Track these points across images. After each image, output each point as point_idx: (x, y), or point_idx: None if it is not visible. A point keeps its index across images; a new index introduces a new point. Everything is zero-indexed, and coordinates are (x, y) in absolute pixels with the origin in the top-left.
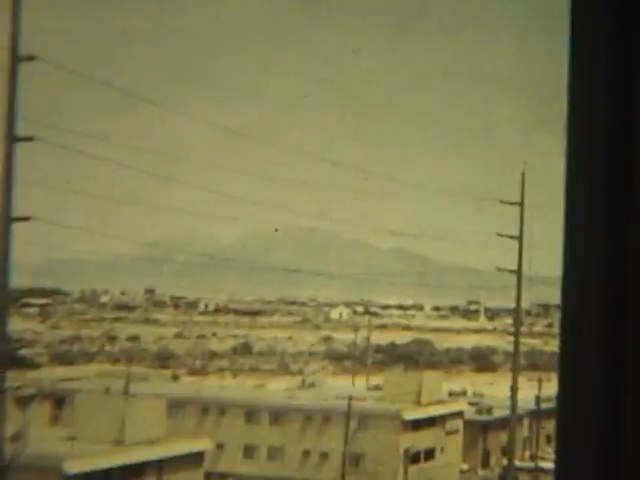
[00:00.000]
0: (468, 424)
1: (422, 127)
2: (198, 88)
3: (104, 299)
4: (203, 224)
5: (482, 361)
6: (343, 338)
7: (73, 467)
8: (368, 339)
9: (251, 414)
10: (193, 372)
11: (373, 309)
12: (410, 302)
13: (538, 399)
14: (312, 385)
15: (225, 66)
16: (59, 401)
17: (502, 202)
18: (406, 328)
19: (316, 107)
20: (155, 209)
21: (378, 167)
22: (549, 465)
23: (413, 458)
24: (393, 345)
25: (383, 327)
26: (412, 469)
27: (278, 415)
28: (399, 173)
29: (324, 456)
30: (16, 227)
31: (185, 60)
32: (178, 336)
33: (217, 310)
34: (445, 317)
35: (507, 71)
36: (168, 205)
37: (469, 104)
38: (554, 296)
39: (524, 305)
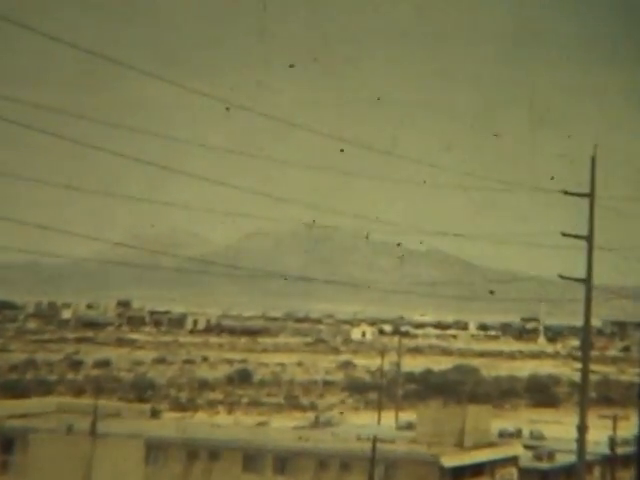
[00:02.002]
0: (524, 472)
1: (465, 107)
2: (186, 53)
3: (66, 314)
4: (193, 220)
5: (541, 393)
6: (367, 364)
7: None
8: (398, 365)
9: (251, 460)
10: (178, 406)
11: (404, 328)
12: (450, 319)
13: (612, 442)
14: (328, 423)
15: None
16: (9, 443)
17: (567, 193)
18: (446, 352)
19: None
20: (132, 200)
21: (413, 151)
22: None
23: None
24: (429, 373)
25: (417, 350)
26: None
27: (285, 461)
28: (439, 159)
29: None
30: None
31: (170, 24)
32: (159, 361)
33: (209, 328)
34: (495, 338)
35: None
36: (149, 195)
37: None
38: (634, 312)
39: (595, 323)
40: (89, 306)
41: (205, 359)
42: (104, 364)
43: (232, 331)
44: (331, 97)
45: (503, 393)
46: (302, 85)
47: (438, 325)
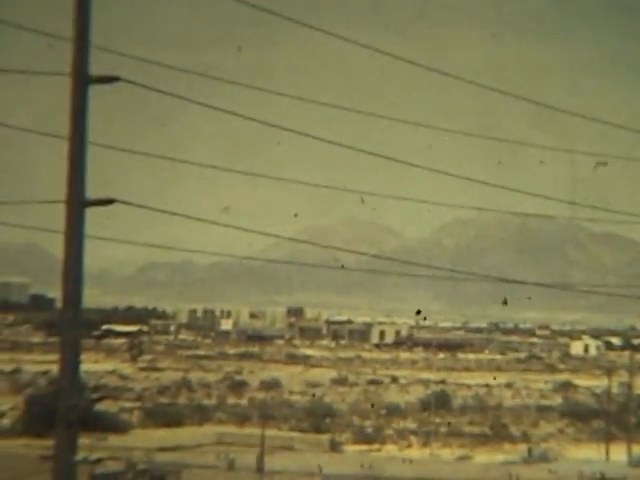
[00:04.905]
0: None
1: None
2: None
3: (225, 325)
4: (378, 208)
5: None
6: (590, 385)
7: None
8: (630, 387)
9: None
10: (362, 437)
11: (638, 341)
12: None
13: None
14: (543, 458)
15: None
16: None
17: None
18: None
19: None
20: (305, 186)
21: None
22: None
23: None
24: None
25: None
26: None
27: None
28: None
29: None
30: (91, 215)
31: None
32: (339, 382)
33: (398, 342)
34: None
35: None
36: (325, 180)
37: None
38: None
39: None
40: (253, 315)
41: (394, 380)
42: (272, 385)
43: (427, 345)
44: None
45: None
46: None
47: None
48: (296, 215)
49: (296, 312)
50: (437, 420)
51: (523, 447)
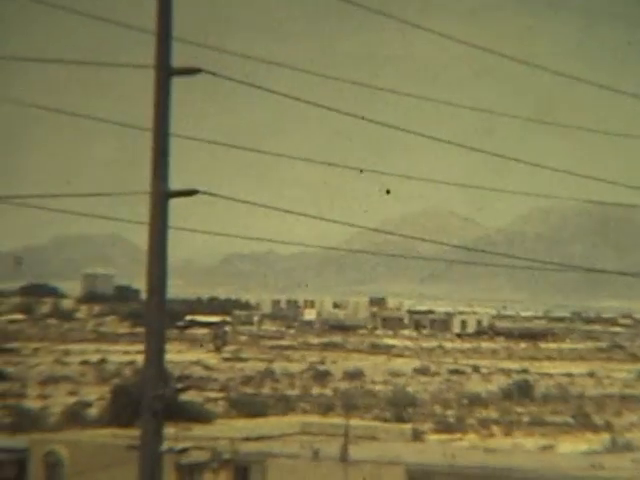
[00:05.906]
0: None
1: None
2: None
3: (309, 315)
4: (457, 198)
5: None
6: None
7: None
8: None
9: None
10: (444, 427)
11: None
12: None
13: None
14: (627, 447)
15: None
16: (243, 471)
17: None
18: None
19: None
20: (379, 175)
21: None
22: None
23: None
24: None
25: None
26: None
27: None
28: None
29: None
30: (175, 206)
31: None
32: (421, 371)
33: (480, 331)
34: None
35: None
36: (401, 169)
37: None
38: None
39: None
40: (336, 305)
41: (476, 369)
42: (355, 375)
43: (508, 335)
44: None
45: None
46: None
47: None
48: (378, 204)
49: (378, 302)
50: (519, 410)
51: (606, 436)
